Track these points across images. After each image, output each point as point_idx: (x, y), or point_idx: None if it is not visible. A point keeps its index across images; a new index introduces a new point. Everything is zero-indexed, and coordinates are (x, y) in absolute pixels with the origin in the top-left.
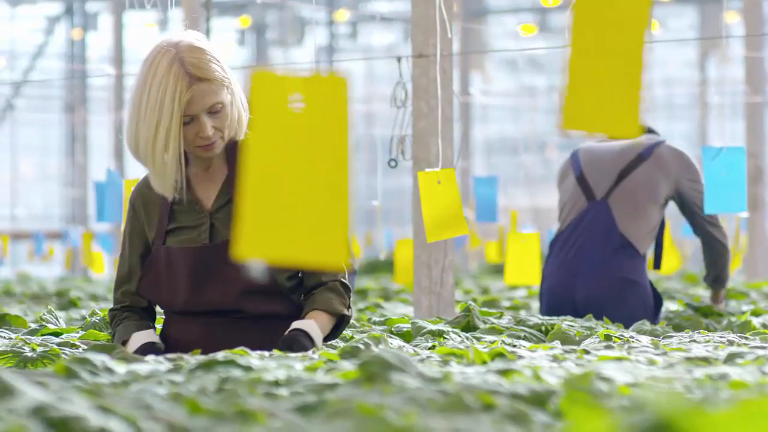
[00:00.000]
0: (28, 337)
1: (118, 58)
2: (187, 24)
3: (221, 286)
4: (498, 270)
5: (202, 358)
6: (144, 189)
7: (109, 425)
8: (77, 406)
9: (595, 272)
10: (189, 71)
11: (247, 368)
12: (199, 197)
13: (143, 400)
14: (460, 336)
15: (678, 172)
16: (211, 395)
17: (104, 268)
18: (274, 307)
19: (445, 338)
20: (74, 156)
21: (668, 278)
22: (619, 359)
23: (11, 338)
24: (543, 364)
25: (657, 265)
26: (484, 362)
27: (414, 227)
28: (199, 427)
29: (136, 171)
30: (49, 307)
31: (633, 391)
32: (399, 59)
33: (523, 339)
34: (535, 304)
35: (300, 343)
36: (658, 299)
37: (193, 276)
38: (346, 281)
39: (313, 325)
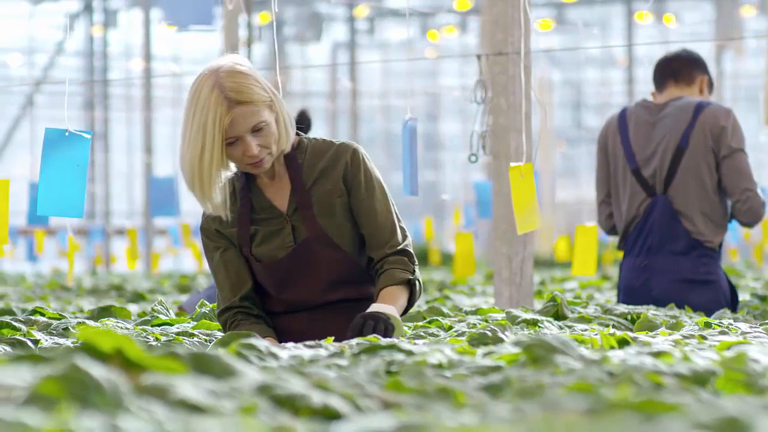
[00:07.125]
0: (145, 327)
1: (146, 55)
2: (227, 20)
3: (309, 283)
4: None
5: (364, 343)
6: (211, 217)
7: (331, 402)
8: (296, 385)
9: (667, 276)
10: (228, 96)
11: (409, 352)
12: (275, 204)
13: (352, 379)
14: (553, 324)
15: (714, 148)
16: (384, 377)
17: (136, 264)
18: (353, 294)
19: (540, 327)
20: (94, 152)
21: None
22: (742, 343)
23: (128, 328)
24: (668, 348)
25: None
26: (612, 347)
27: (494, 220)
28: (412, 404)
29: (164, 167)
30: (160, 299)
31: None
32: (479, 57)
33: (612, 327)
34: (597, 295)
35: (369, 326)
36: (734, 292)
37: (280, 281)
38: (406, 248)
39: (385, 306)
